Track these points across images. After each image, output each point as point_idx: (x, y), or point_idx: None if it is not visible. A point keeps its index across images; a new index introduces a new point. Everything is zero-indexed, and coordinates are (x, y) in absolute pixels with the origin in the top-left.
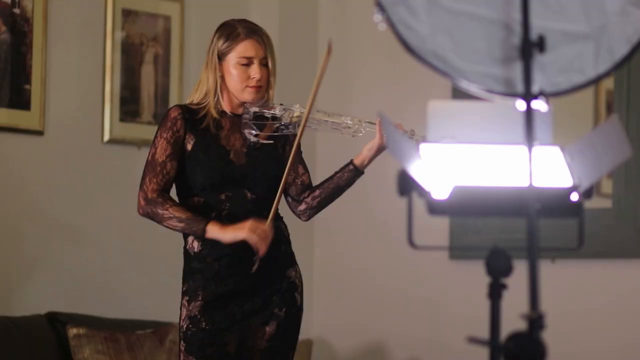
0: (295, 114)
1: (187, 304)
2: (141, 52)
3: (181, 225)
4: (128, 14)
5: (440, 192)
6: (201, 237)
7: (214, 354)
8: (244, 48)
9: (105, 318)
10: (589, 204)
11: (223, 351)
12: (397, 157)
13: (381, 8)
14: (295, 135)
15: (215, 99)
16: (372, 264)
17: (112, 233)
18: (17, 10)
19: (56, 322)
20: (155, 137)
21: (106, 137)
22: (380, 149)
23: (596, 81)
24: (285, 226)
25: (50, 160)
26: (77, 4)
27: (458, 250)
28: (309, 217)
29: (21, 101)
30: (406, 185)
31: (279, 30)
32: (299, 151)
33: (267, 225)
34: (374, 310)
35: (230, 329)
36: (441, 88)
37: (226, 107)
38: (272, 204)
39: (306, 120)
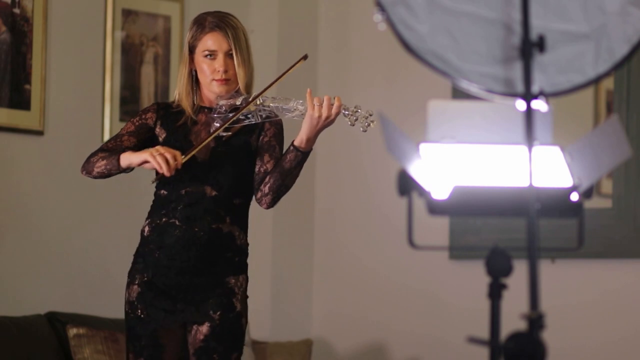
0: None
1: (127, 287)
2: (141, 52)
3: (104, 162)
4: (128, 14)
5: (440, 192)
6: (118, 168)
7: (148, 345)
8: (207, 41)
9: (105, 318)
10: (589, 204)
11: (156, 343)
12: (396, 158)
13: (381, 8)
14: (257, 124)
15: (186, 92)
16: (372, 263)
17: (112, 233)
18: (17, 10)
19: (56, 322)
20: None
21: (106, 137)
22: (312, 121)
23: (596, 81)
24: (242, 235)
25: (50, 160)
26: (77, 4)
27: (458, 250)
28: (268, 205)
29: (21, 101)
30: (406, 185)
31: (279, 30)
32: (270, 142)
33: (179, 154)
34: (374, 310)
35: (162, 322)
36: (441, 88)
37: (204, 101)
38: (235, 203)
39: (245, 106)
